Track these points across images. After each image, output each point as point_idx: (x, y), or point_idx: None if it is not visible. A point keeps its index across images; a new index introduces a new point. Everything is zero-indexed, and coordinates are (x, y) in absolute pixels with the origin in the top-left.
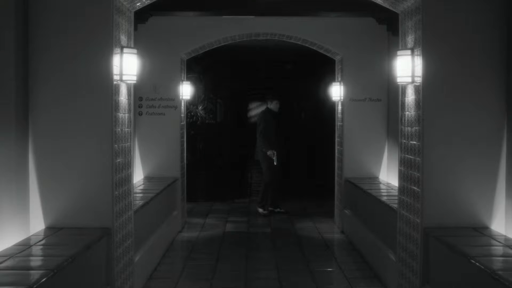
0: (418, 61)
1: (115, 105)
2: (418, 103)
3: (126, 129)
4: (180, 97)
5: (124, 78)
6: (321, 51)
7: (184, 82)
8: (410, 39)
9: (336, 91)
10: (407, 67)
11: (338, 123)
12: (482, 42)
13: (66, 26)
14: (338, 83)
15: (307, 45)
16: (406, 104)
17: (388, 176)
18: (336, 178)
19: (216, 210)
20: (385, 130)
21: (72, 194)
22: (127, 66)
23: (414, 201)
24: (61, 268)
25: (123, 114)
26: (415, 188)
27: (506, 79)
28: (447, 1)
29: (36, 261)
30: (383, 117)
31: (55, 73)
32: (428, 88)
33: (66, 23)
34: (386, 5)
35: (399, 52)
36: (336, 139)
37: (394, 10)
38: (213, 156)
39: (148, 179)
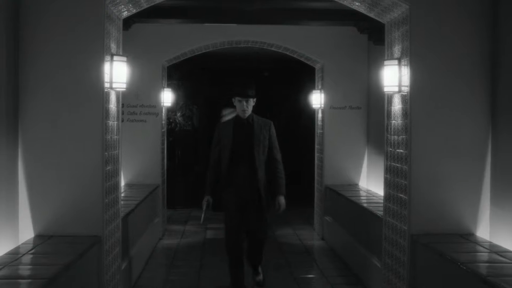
0: (405, 71)
1: (106, 113)
2: (405, 112)
3: (115, 137)
4: (161, 104)
5: (114, 85)
6: (302, 59)
7: (165, 89)
8: (397, 49)
9: (317, 99)
10: (394, 77)
11: (318, 131)
12: (468, 54)
13: (57, 34)
14: (318, 91)
15: (287, 53)
16: (392, 113)
17: (368, 183)
18: (316, 185)
19: (194, 217)
20: (365, 138)
21: (62, 202)
22: (117, 73)
23: (401, 208)
24: (56, 276)
25: (113, 122)
26: (402, 195)
27: (491, 91)
28: (434, 13)
29: (30, 270)
30: (363, 125)
31: (46, 80)
32: (416, 98)
33: (57, 31)
34: (372, 15)
35: (386, 62)
36: (316, 147)
37: (380, 20)
38: (190, 162)
39: (129, 186)
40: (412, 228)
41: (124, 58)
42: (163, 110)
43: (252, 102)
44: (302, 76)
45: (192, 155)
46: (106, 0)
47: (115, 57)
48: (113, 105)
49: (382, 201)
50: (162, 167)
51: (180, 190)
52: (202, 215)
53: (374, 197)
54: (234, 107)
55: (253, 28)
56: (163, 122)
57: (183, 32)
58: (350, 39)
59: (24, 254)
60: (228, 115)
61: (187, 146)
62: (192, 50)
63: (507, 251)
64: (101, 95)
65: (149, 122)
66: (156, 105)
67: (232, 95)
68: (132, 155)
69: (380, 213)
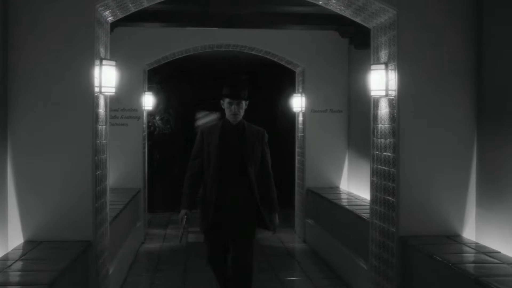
0: (392, 76)
1: (96, 117)
2: (392, 116)
3: (104, 141)
4: (143, 107)
5: (103, 90)
6: (282, 62)
7: (146, 93)
8: (383, 54)
9: (297, 102)
10: (381, 81)
11: (299, 134)
12: (454, 59)
13: (48, 37)
14: (299, 95)
15: (268, 56)
16: (379, 116)
17: (349, 186)
18: (296, 188)
19: (175, 220)
20: (345, 141)
21: (52, 207)
22: (106, 78)
23: (389, 210)
24: (54, 282)
25: (102, 126)
26: (390, 198)
27: (476, 96)
28: (421, 18)
29: (27, 276)
30: (343, 128)
31: (35, 85)
32: (403, 102)
33: (48, 34)
34: (358, 20)
35: (373, 67)
36: (297, 150)
37: (365, 25)
38: (169, 166)
39: (111, 190)
40: (400, 230)
41: (113, 62)
42: (144, 113)
43: (244, 105)
44: (283, 80)
45: (171, 158)
46: (96, 4)
47: (104, 61)
48: (102, 109)
49: (365, 203)
50: (143, 171)
51: (159, 194)
52: (180, 234)
53: (357, 200)
54: (210, 109)
55: (234, 32)
56: (144, 126)
57: (165, 36)
58: (331, 43)
59: (16, 261)
60: (203, 118)
61: (165, 150)
62: (173, 53)
63: (495, 251)
64: (92, 100)
65: (130, 126)
66: (137, 108)
67: (221, 97)
68: (114, 159)
69: (365, 215)
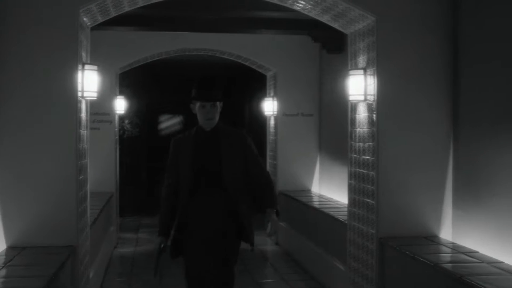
0: (371, 81)
1: (79, 122)
2: (371, 120)
3: (85, 146)
4: (115, 111)
5: (85, 94)
6: (254, 66)
7: (118, 96)
8: (361, 59)
9: (269, 106)
10: (359, 86)
11: (270, 138)
12: (431, 64)
13: (32, 42)
14: (271, 98)
15: (240, 60)
16: (357, 120)
17: (320, 189)
18: None
19: (145, 225)
20: (317, 144)
21: (35, 213)
22: (88, 82)
23: (368, 213)
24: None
25: (83, 131)
26: (369, 200)
27: (453, 101)
28: (400, 25)
29: (17, 282)
30: (315, 132)
31: (19, 89)
32: (383, 107)
33: (32, 39)
34: (336, 26)
35: (351, 72)
36: (269, 153)
37: (343, 31)
38: (138, 170)
39: None
40: (380, 231)
41: (95, 67)
42: (116, 117)
43: (219, 107)
44: (253, 83)
45: (139, 162)
46: (80, 9)
47: (86, 66)
48: (83, 114)
49: (339, 206)
50: (116, 175)
51: (129, 198)
52: (155, 266)
53: (330, 202)
54: (172, 112)
55: (206, 36)
56: (116, 130)
57: (138, 40)
58: (303, 47)
59: (2, 267)
60: (166, 122)
61: (134, 154)
62: (145, 57)
63: (473, 251)
64: (76, 105)
65: (102, 130)
66: (109, 112)
67: (191, 100)
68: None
69: (342, 217)
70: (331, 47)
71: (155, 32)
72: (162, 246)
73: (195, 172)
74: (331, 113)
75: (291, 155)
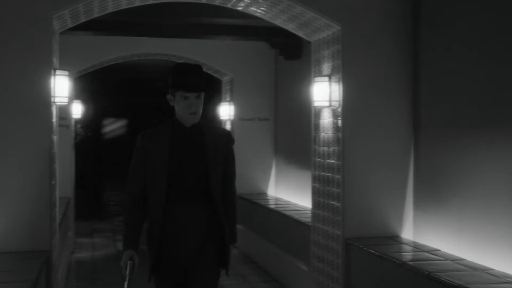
0: (335, 87)
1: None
2: (336, 125)
3: (55, 151)
4: (71, 116)
5: (56, 100)
6: (210, 72)
7: (74, 101)
8: (326, 67)
9: (225, 111)
10: (324, 92)
11: None
12: (393, 72)
13: (5, 48)
14: (227, 103)
15: None
16: (321, 126)
17: (277, 192)
18: None
19: (99, 229)
20: (272, 148)
21: (9, 217)
22: (59, 88)
23: (333, 214)
24: None
25: (54, 136)
26: (334, 203)
27: (413, 106)
28: (365, 33)
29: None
30: (271, 136)
31: None
32: (348, 112)
33: (5, 45)
34: (300, 34)
35: (316, 79)
36: None
37: (307, 39)
38: (90, 174)
39: None
40: (346, 232)
41: (66, 73)
42: (73, 122)
43: (202, 98)
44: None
45: (90, 166)
46: (53, 15)
47: (57, 72)
48: (54, 119)
49: (299, 208)
50: (72, 180)
51: (82, 202)
52: (125, 284)
53: (289, 205)
54: (117, 116)
55: (163, 41)
56: (72, 134)
57: (94, 44)
58: (259, 53)
59: None
60: (109, 126)
61: (86, 157)
62: (101, 62)
63: (436, 249)
64: (50, 110)
65: (60, 134)
66: (66, 117)
67: (171, 90)
68: None
69: (303, 219)
70: (289, 54)
71: (112, 37)
72: (131, 262)
73: (172, 178)
74: (287, 118)
75: (248, 158)
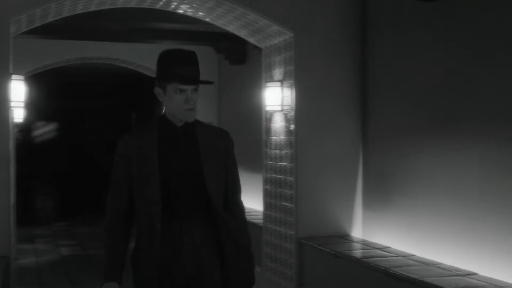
0: (287, 92)
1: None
2: (288, 129)
3: (12, 155)
4: (13, 119)
5: (12, 104)
6: (154, 75)
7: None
8: (278, 72)
9: None
10: (276, 97)
11: None
12: (345, 77)
13: None
14: None
15: (140, 70)
16: (272, 129)
17: None
18: None
19: (39, 235)
20: None
21: None
22: (15, 93)
23: (286, 215)
24: None
25: (11, 141)
26: (287, 204)
27: (361, 111)
28: (317, 40)
29: None
30: None
31: None
32: (300, 116)
33: None
34: (252, 40)
35: (268, 84)
36: None
37: (258, 45)
38: (21, 179)
39: None
40: (299, 232)
41: (22, 77)
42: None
43: (199, 92)
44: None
45: (28, 170)
46: (10, 20)
47: (13, 76)
48: (11, 124)
49: (248, 210)
50: (14, 185)
51: (17, 207)
52: None
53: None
54: (48, 119)
55: (107, 45)
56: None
57: (42, 48)
58: (203, 57)
59: None
60: (39, 129)
61: (23, 161)
62: (45, 65)
63: (386, 246)
64: (10, 115)
65: None
66: None
67: (162, 80)
68: None
69: (254, 220)
70: (234, 59)
71: (56, 41)
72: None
73: (164, 188)
74: (231, 122)
75: None
